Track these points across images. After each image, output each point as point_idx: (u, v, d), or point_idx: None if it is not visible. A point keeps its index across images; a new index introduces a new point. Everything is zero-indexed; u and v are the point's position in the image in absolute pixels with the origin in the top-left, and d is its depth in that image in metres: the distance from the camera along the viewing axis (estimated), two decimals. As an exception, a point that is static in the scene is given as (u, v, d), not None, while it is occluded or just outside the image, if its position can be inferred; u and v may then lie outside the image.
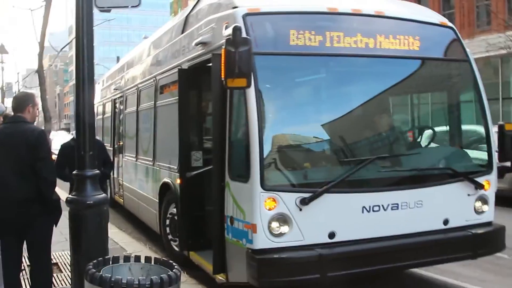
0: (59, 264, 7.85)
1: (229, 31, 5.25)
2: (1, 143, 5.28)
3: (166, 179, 8.26)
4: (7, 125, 5.53)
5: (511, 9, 26.10)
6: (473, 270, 7.97)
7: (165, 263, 3.90)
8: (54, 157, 6.53)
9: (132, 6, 5.02)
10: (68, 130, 77.16)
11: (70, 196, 4.47)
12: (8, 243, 5.17)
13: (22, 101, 5.53)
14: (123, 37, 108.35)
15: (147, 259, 3.97)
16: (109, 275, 3.52)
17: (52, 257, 6.13)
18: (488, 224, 6.62)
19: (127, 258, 3.98)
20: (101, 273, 3.57)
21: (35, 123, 5.98)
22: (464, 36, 25.20)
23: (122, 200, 12.33)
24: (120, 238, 9.75)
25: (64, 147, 7.66)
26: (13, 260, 5.29)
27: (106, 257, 3.91)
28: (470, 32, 28.63)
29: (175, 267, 3.77)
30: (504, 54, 24.43)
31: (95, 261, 3.80)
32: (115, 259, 3.93)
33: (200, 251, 7.13)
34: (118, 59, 44.77)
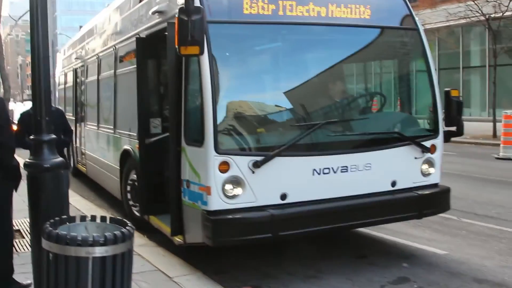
0: (21, 230, 7.99)
1: (182, 0, 5.40)
2: None
3: (126, 146, 8.43)
4: None
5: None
6: (422, 231, 8.38)
7: (119, 221, 4.09)
8: (14, 127, 6.65)
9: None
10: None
11: (28, 160, 4.61)
12: None
13: None
14: (86, 5, 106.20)
15: (103, 218, 4.16)
16: (65, 233, 3.71)
17: (14, 223, 6.28)
18: (434, 185, 6.95)
19: (83, 218, 4.16)
20: (57, 230, 3.75)
21: None
22: (426, 5, 25.58)
23: (85, 169, 12.45)
24: (82, 205, 9.90)
25: (23, 115, 7.76)
26: None
27: (63, 216, 4.09)
28: (432, 1, 28.98)
29: (128, 224, 3.98)
30: (464, 23, 24.85)
31: (52, 220, 3.98)
32: (72, 219, 4.11)
33: (159, 215, 7.34)
34: (80, 28, 44.24)
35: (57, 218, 4.04)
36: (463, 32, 27.88)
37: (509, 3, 21.75)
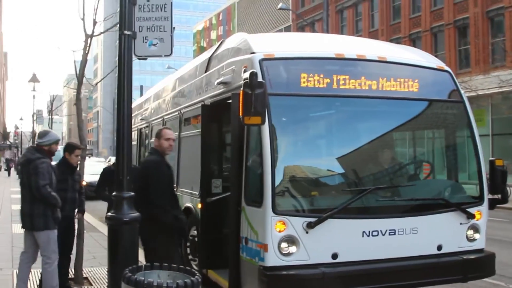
0: (89, 278, 8.62)
1: (247, 74, 6.06)
2: None
3: (188, 204, 9.00)
4: None
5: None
6: (471, 297, 8.57)
7: (188, 271, 4.65)
8: (84, 182, 7.54)
9: (165, 56, 5.89)
10: (91, 155, 78.31)
11: (109, 214, 5.29)
12: None
13: None
14: (147, 66, 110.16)
15: (173, 268, 4.73)
16: (143, 278, 4.29)
17: (83, 272, 6.97)
18: (479, 251, 7.25)
19: (156, 267, 4.75)
20: (135, 276, 4.34)
21: None
22: (478, 71, 26.00)
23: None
24: (143, 258, 10.46)
25: (106, 170, 8.61)
26: None
27: (140, 265, 4.68)
28: (484, 68, 29.29)
29: (196, 274, 4.53)
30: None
31: (130, 268, 4.57)
32: (147, 267, 4.70)
33: (217, 270, 7.81)
34: (141, 87, 45.91)
35: (134, 266, 4.63)
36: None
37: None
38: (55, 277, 6.94)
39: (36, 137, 7.14)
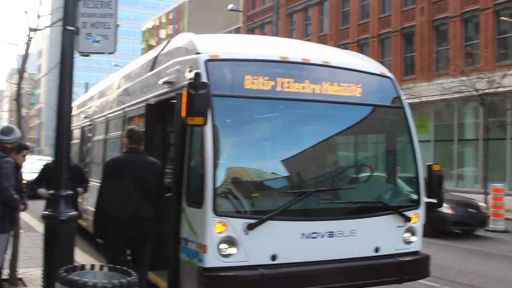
0: (23, 279, 8.42)
1: (191, 75, 6.06)
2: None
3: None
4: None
5: (468, 55, 27.51)
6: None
7: (124, 271, 4.61)
8: (24, 181, 7.32)
9: (109, 53, 5.84)
10: (32, 153, 76.43)
11: (45, 212, 5.19)
12: None
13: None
14: (93, 63, 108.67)
15: (110, 268, 4.69)
16: (78, 278, 4.23)
17: (17, 273, 6.78)
18: (415, 253, 7.43)
19: (92, 267, 4.69)
20: (70, 276, 4.28)
21: None
22: (423, 78, 26.61)
23: (86, 224, 12.86)
24: (82, 259, 10.30)
25: (47, 168, 8.42)
26: None
27: (75, 264, 4.62)
28: (428, 76, 30.03)
29: (132, 274, 4.50)
30: (458, 97, 25.72)
31: (65, 267, 4.50)
32: (83, 267, 4.64)
33: (156, 271, 7.76)
34: (87, 85, 45.22)
35: (70, 266, 4.56)
36: (458, 105, 28.78)
37: (502, 79, 22.60)
38: None
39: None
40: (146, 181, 6.47)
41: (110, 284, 4.23)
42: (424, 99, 27.75)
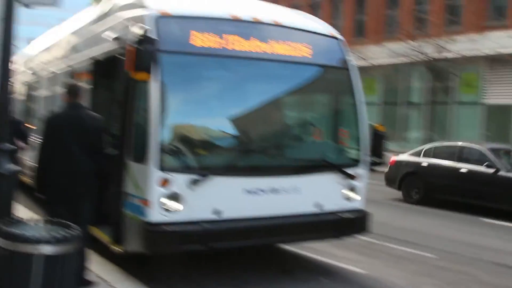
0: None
1: (139, 31, 6.03)
2: None
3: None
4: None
5: (418, 20, 27.82)
6: (346, 252, 9.10)
7: (64, 224, 4.61)
8: None
9: (51, 5, 5.72)
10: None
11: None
12: None
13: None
14: (38, 17, 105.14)
15: (50, 221, 4.69)
16: (18, 231, 4.23)
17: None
18: (357, 210, 7.64)
19: (31, 220, 4.68)
20: (8, 228, 4.26)
21: None
22: (372, 42, 26.74)
23: (30, 181, 12.69)
24: (24, 214, 10.19)
25: None
26: None
27: (14, 217, 4.60)
28: (378, 39, 30.27)
29: (73, 227, 4.51)
30: (406, 62, 26.10)
31: (3, 219, 4.48)
32: (22, 220, 4.62)
33: (100, 226, 7.75)
34: (30, 40, 43.78)
35: (8, 218, 4.55)
36: (406, 69, 29.20)
37: (449, 46, 23.03)
38: None
39: None
40: (86, 135, 6.35)
41: (50, 237, 4.23)
42: (373, 62, 28.08)
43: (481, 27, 25.19)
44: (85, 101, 8.08)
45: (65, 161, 6.15)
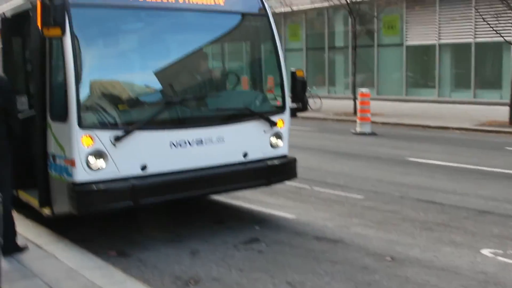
0: None
1: None
2: None
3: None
4: None
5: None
6: (276, 199, 9.27)
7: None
8: None
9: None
10: None
11: None
12: None
13: None
14: None
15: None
16: None
17: None
18: (283, 157, 7.76)
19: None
20: None
21: None
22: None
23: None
24: None
25: None
26: None
27: None
28: (300, -16, 30.25)
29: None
30: (328, 6, 26.22)
31: None
32: None
33: (28, 190, 7.61)
34: None
35: None
36: (328, 14, 29.39)
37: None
38: None
39: None
40: None
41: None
42: (295, 8, 28.09)
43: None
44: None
45: None
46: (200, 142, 6.89)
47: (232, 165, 7.21)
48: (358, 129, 18.29)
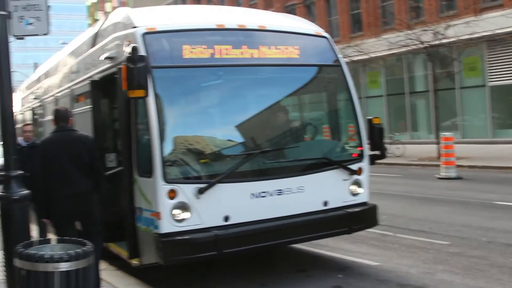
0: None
1: (129, 49, 6.23)
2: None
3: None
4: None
5: (412, 9, 27.91)
6: (359, 246, 9.23)
7: (80, 242, 4.83)
8: None
9: (44, 34, 5.98)
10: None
11: (-1, 193, 5.40)
12: None
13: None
14: (40, 42, 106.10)
15: (65, 240, 4.90)
16: (35, 252, 4.44)
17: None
18: (363, 204, 7.80)
19: (47, 241, 4.90)
20: (28, 251, 4.48)
21: None
22: (371, 34, 26.91)
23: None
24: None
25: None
26: None
27: (32, 240, 4.82)
28: (376, 31, 30.43)
29: (87, 244, 4.72)
30: (405, 51, 26.18)
31: (22, 243, 4.70)
32: (40, 242, 4.84)
33: (117, 242, 7.97)
34: (35, 65, 44.49)
35: (27, 241, 4.76)
36: (406, 59, 29.30)
37: (445, 31, 23.04)
38: None
39: None
40: (80, 156, 6.71)
41: (66, 255, 4.44)
42: (373, 55, 28.20)
43: (477, 9, 25.28)
44: (87, 121, 8.34)
45: (63, 184, 6.45)
46: (280, 192, 7.05)
47: (312, 214, 7.31)
48: (442, 174, 17.90)
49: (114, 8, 66.97)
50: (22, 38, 6.04)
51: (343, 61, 8.02)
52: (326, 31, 8.45)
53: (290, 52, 7.56)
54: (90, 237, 5.97)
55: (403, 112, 30.03)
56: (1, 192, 5.36)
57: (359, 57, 27.59)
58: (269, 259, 8.55)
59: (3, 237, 5.39)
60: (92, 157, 6.82)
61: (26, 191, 5.41)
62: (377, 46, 28.41)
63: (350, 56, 25.82)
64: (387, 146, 8.04)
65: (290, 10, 35.90)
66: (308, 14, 35.02)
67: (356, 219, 7.61)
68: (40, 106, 13.14)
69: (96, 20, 72.17)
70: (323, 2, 35.50)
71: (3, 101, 5.24)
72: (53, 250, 4.72)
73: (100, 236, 6.77)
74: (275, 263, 8.46)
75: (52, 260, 4.40)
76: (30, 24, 5.96)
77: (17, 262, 4.51)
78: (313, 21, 9.24)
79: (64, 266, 4.41)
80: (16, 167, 5.32)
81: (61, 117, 7.01)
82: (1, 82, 5.20)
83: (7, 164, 5.31)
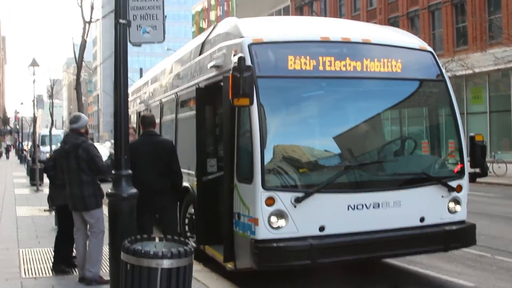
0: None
1: (236, 58, 6.45)
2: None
3: (185, 183, 9.38)
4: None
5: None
6: (455, 266, 9.01)
7: (182, 242, 5.06)
8: None
9: (158, 42, 6.33)
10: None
11: (109, 190, 5.76)
12: None
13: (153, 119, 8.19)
14: (146, 48, 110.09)
15: (168, 239, 5.14)
16: (140, 248, 4.71)
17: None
18: (461, 222, 7.65)
19: (152, 238, 5.16)
20: (134, 246, 4.76)
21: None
22: (476, 49, 26.13)
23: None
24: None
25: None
26: None
27: (137, 236, 5.10)
28: (481, 46, 29.49)
29: (189, 244, 4.94)
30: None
31: (128, 239, 4.99)
32: (144, 238, 5.11)
33: (213, 245, 8.21)
34: (141, 70, 46.24)
35: (133, 237, 5.05)
36: (512, 75, 28.22)
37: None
38: (101, 249, 7.53)
39: (70, 123, 7.71)
40: (159, 158, 7.55)
41: (169, 253, 4.68)
42: (477, 70, 27.38)
43: None
44: (190, 126, 8.66)
45: (142, 181, 6.98)
46: (377, 205, 7.06)
47: (408, 229, 7.26)
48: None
49: (218, 16, 68.70)
50: (139, 45, 6.41)
51: (446, 76, 7.92)
52: (429, 44, 8.38)
53: (393, 65, 7.56)
54: (166, 230, 6.96)
55: (507, 130, 28.88)
56: (112, 190, 5.71)
57: (462, 72, 26.86)
58: (362, 272, 8.52)
59: (110, 232, 5.73)
60: (170, 159, 7.70)
61: (134, 190, 5.74)
62: (482, 60, 27.57)
63: (453, 71, 25.20)
64: (488, 164, 7.81)
65: (393, 22, 35.53)
66: (411, 26, 34.50)
67: (453, 237, 7.48)
68: (145, 110, 13.69)
69: (200, 28, 74.32)
70: (427, 14, 34.82)
71: (119, 102, 5.59)
72: (157, 248, 4.96)
73: (174, 230, 7.72)
74: (368, 277, 8.42)
75: (156, 256, 4.65)
76: (147, 32, 6.32)
77: (123, 256, 4.80)
78: (416, 33, 9.17)
79: (166, 263, 4.65)
80: (127, 167, 5.66)
81: (148, 122, 7.90)
82: (118, 85, 5.55)
83: (118, 163, 5.65)
